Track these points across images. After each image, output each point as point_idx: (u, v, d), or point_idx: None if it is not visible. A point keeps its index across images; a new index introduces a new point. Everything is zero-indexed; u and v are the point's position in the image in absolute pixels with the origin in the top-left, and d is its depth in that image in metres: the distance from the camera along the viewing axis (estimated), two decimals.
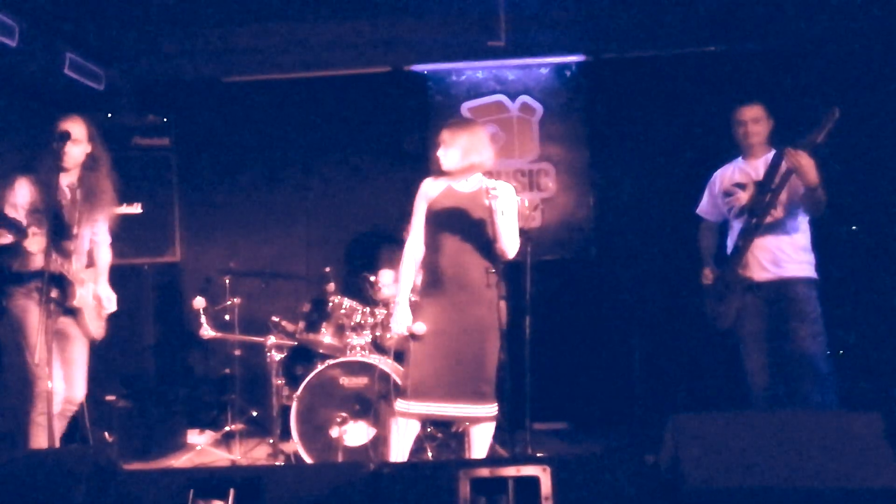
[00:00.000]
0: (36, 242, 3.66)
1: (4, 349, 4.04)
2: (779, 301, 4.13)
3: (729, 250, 4.36)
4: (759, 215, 4.13)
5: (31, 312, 3.80)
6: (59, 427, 4.03)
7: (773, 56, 5.88)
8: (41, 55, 5.02)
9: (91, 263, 4.27)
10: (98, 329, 4.25)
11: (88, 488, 2.49)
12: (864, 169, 5.43)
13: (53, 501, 2.46)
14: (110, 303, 4.28)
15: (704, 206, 4.61)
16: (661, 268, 6.05)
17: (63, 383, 4.01)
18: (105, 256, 4.36)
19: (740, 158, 4.44)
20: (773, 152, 4.20)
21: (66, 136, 3.84)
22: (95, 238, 4.29)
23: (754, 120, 4.29)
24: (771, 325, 4.18)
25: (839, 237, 5.25)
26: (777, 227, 4.15)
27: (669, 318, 5.98)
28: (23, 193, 3.87)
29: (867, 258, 5.40)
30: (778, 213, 4.14)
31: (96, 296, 4.21)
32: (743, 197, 4.27)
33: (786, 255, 4.14)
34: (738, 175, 4.37)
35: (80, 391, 4.16)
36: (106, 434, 4.69)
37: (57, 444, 3.86)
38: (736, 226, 4.32)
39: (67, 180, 4.03)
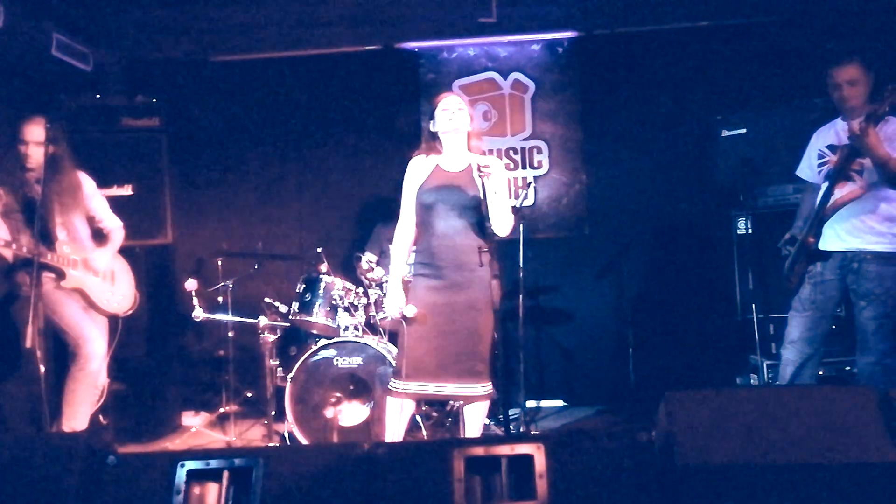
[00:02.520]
0: None
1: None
2: (848, 274, 3.93)
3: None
4: (839, 180, 3.89)
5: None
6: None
7: (765, 29, 5.85)
8: (27, 36, 4.97)
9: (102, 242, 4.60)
10: (114, 303, 4.52)
11: (82, 471, 2.48)
12: None
13: (47, 485, 2.46)
14: (96, 261, 4.45)
15: (802, 168, 4.30)
16: (654, 244, 6.06)
17: (104, 346, 4.35)
18: (114, 237, 4.64)
19: (839, 119, 4.12)
20: (868, 110, 3.86)
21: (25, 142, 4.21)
22: (102, 224, 4.61)
23: (850, 82, 3.94)
24: (836, 297, 4.01)
25: None
26: (860, 195, 3.87)
27: (663, 295, 5.99)
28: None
29: None
30: (862, 179, 3.87)
31: (95, 272, 4.43)
32: (833, 160, 3.99)
33: (864, 225, 3.89)
34: (832, 137, 4.10)
35: (100, 376, 4.41)
36: (100, 416, 4.68)
37: (89, 407, 4.32)
38: (821, 190, 4.04)
39: (36, 177, 4.19)
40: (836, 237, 3.95)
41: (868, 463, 2.26)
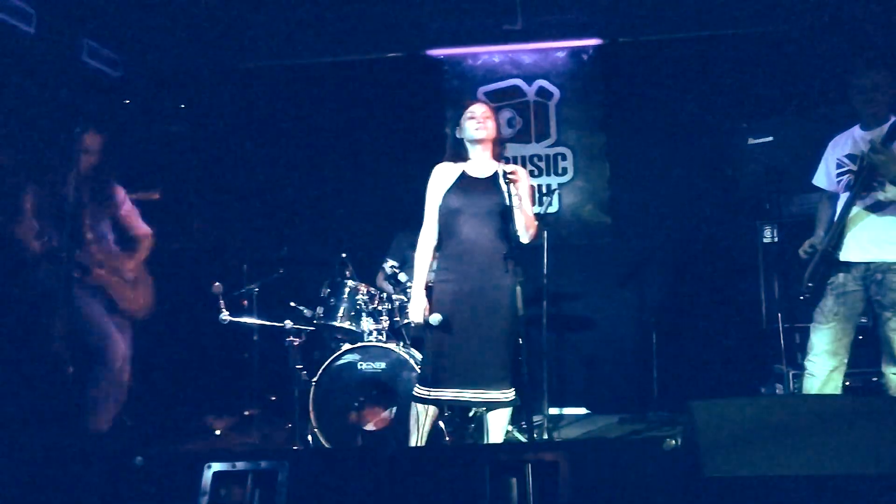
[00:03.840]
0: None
1: None
2: (871, 285, 3.87)
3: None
4: (861, 191, 3.85)
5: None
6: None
7: (791, 37, 5.82)
8: (59, 42, 5.05)
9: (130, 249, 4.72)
10: (132, 303, 4.59)
11: (108, 472, 2.51)
12: None
13: (74, 485, 2.49)
14: (126, 272, 4.57)
15: (818, 177, 4.25)
16: (679, 252, 6.03)
17: (125, 346, 4.47)
18: (142, 245, 4.76)
19: (857, 127, 4.05)
20: (892, 121, 3.85)
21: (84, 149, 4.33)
22: (133, 233, 4.73)
23: (876, 87, 3.86)
24: (855, 308, 3.94)
25: None
26: (883, 206, 3.83)
27: (687, 303, 5.96)
28: (32, 199, 4.29)
29: None
30: (886, 190, 3.81)
31: (120, 274, 4.53)
32: (854, 170, 3.93)
33: (887, 235, 3.83)
34: (851, 146, 4.03)
35: (123, 376, 4.48)
36: (125, 419, 4.72)
37: (111, 408, 4.39)
38: (842, 199, 3.99)
39: (75, 182, 4.21)
40: (859, 248, 3.89)
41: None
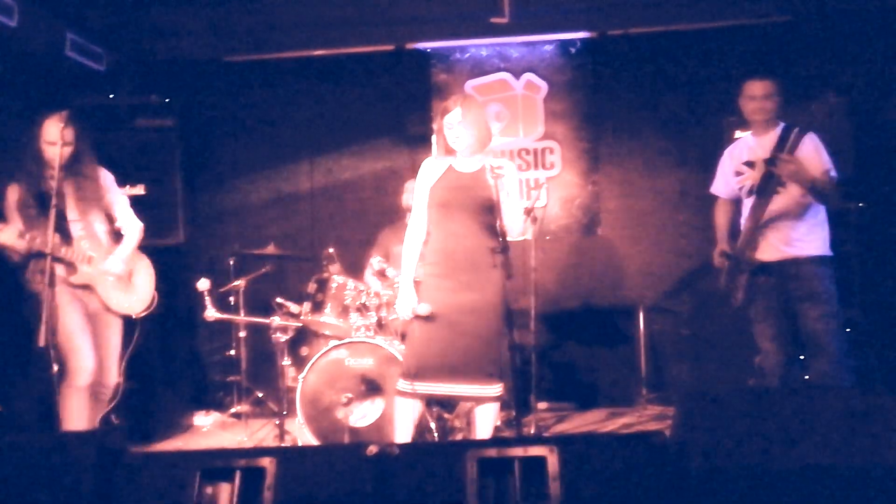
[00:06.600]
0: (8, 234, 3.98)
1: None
2: (788, 281, 4.04)
3: (742, 229, 4.28)
4: (765, 195, 4.07)
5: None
6: (94, 407, 4.25)
7: (779, 30, 5.82)
8: (41, 36, 5.00)
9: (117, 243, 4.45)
10: (125, 304, 4.39)
11: (95, 471, 2.49)
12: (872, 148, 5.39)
13: (60, 485, 2.46)
14: (111, 266, 4.31)
15: (717, 185, 4.51)
16: (666, 246, 6.03)
17: (93, 362, 4.16)
18: (128, 237, 4.46)
19: (749, 134, 4.32)
20: (781, 127, 4.13)
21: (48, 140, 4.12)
22: (119, 223, 4.46)
23: (765, 96, 4.12)
24: (781, 304, 4.10)
25: (847, 214, 5.18)
26: (786, 206, 4.05)
27: (677, 295, 5.96)
28: (13, 197, 4.14)
29: (875, 235, 5.37)
30: (787, 191, 4.05)
31: (108, 273, 4.31)
32: (753, 176, 4.17)
33: (796, 233, 4.05)
34: (747, 153, 4.26)
35: (111, 376, 4.34)
36: (112, 417, 4.69)
37: (82, 423, 4.11)
38: (747, 204, 4.22)
39: (54, 174, 4.09)
40: (771, 248, 4.11)
41: (885, 466, 2.23)
